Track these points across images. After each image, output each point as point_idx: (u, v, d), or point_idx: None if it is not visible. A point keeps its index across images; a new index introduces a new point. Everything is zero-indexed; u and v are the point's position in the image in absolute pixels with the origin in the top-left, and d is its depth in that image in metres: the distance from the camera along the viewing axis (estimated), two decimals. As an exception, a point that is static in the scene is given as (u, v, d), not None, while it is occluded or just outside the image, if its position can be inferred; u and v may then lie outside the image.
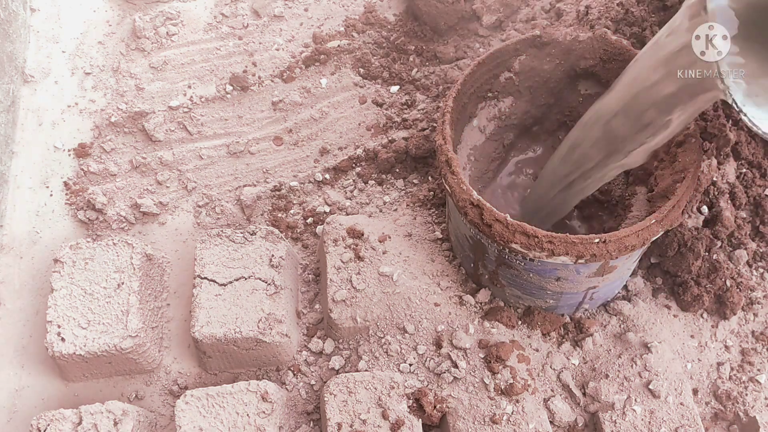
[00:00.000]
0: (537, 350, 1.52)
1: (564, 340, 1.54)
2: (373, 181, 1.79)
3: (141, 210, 1.76)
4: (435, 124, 1.79)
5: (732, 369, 1.54)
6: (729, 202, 1.61)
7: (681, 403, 1.44)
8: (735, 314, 1.57)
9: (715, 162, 1.63)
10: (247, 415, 1.36)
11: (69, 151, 1.85)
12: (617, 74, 1.49)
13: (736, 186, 1.62)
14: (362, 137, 1.86)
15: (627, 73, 1.32)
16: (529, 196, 1.61)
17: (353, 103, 1.92)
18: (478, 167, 1.63)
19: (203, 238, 1.57)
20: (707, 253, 1.57)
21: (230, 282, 1.52)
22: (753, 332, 1.58)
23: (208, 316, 1.47)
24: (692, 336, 1.56)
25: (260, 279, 1.52)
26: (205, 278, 1.52)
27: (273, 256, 1.54)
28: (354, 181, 1.79)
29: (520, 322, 1.53)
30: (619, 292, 1.59)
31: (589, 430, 1.48)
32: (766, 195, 1.63)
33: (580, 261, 1.28)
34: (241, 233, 1.57)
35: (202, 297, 1.50)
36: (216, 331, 1.46)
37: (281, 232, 1.67)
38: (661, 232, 1.30)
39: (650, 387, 1.44)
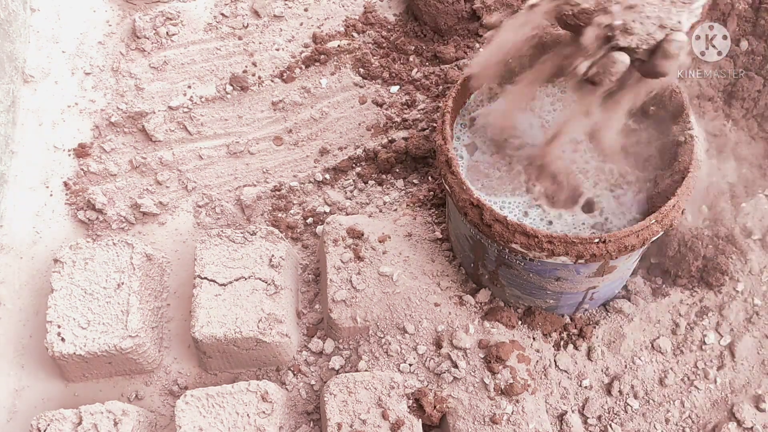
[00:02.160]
0: (537, 350, 1.52)
1: (564, 340, 1.54)
2: (373, 181, 1.79)
3: (141, 210, 1.76)
4: (435, 124, 1.79)
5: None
6: (729, 201, 1.61)
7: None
8: (735, 314, 1.58)
9: (714, 162, 1.63)
10: (247, 415, 1.36)
11: (69, 151, 1.85)
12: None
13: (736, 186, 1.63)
14: (362, 137, 1.86)
15: None
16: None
17: (353, 103, 1.92)
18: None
19: (203, 238, 1.57)
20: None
21: (230, 282, 1.52)
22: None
23: (208, 316, 1.47)
24: (692, 336, 1.56)
25: (260, 279, 1.52)
26: (205, 278, 1.52)
27: (273, 256, 1.54)
28: (354, 181, 1.79)
29: (520, 323, 1.53)
30: (618, 292, 1.59)
31: (589, 430, 1.48)
32: (766, 195, 1.63)
33: (579, 261, 1.28)
34: (241, 233, 1.57)
35: (202, 297, 1.50)
36: (216, 331, 1.46)
37: (281, 232, 1.67)
38: (661, 232, 1.30)
39: (650, 387, 1.44)
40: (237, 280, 1.52)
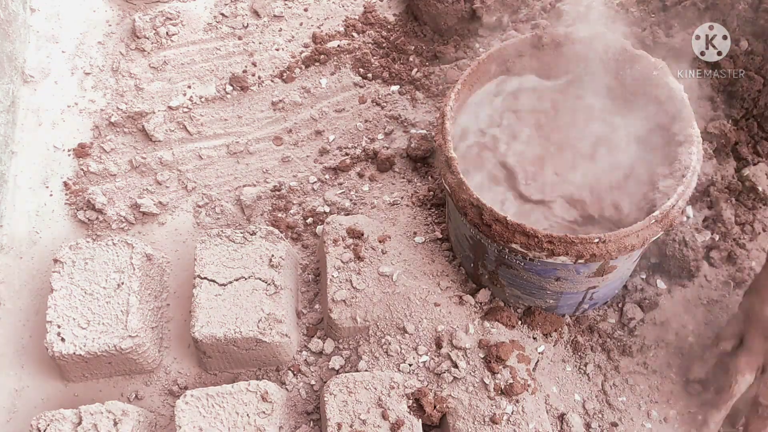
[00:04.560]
0: (537, 350, 1.51)
1: (564, 340, 1.54)
2: (373, 181, 1.79)
3: (141, 210, 1.76)
4: (435, 124, 1.79)
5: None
6: (729, 201, 1.61)
7: (681, 403, 1.45)
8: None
9: (715, 162, 1.63)
10: (247, 415, 1.36)
11: (69, 151, 1.85)
12: (617, 74, 1.49)
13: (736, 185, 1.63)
14: (362, 137, 1.86)
15: None
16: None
17: (353, 103, 1.92)
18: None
19: (203, 238, 1.57)
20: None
21: (230, 282, 1.52)
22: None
23: (208, 316, 1.47)
24: (692, 336, 1.56)
25: (260, 279, 1.52)
26: (205, 278, 1.52)
27: (273, 256, 1.54)
28: (354, 181, 1.79)
29: (520, 322, 1.53)
30: (618, 292, 1.59)
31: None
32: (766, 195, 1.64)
33: (579, 261, 1.28)
34: (241, 233, 1.57)
35: (202, 297, 1.50)
36: (216, 331, 1.46)
37: (281, 232, 1.67)
38: (661, 233, 1.30)
39: (650, 387, 1.45)
40: (237, 280, 1.52)
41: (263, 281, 1.52)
